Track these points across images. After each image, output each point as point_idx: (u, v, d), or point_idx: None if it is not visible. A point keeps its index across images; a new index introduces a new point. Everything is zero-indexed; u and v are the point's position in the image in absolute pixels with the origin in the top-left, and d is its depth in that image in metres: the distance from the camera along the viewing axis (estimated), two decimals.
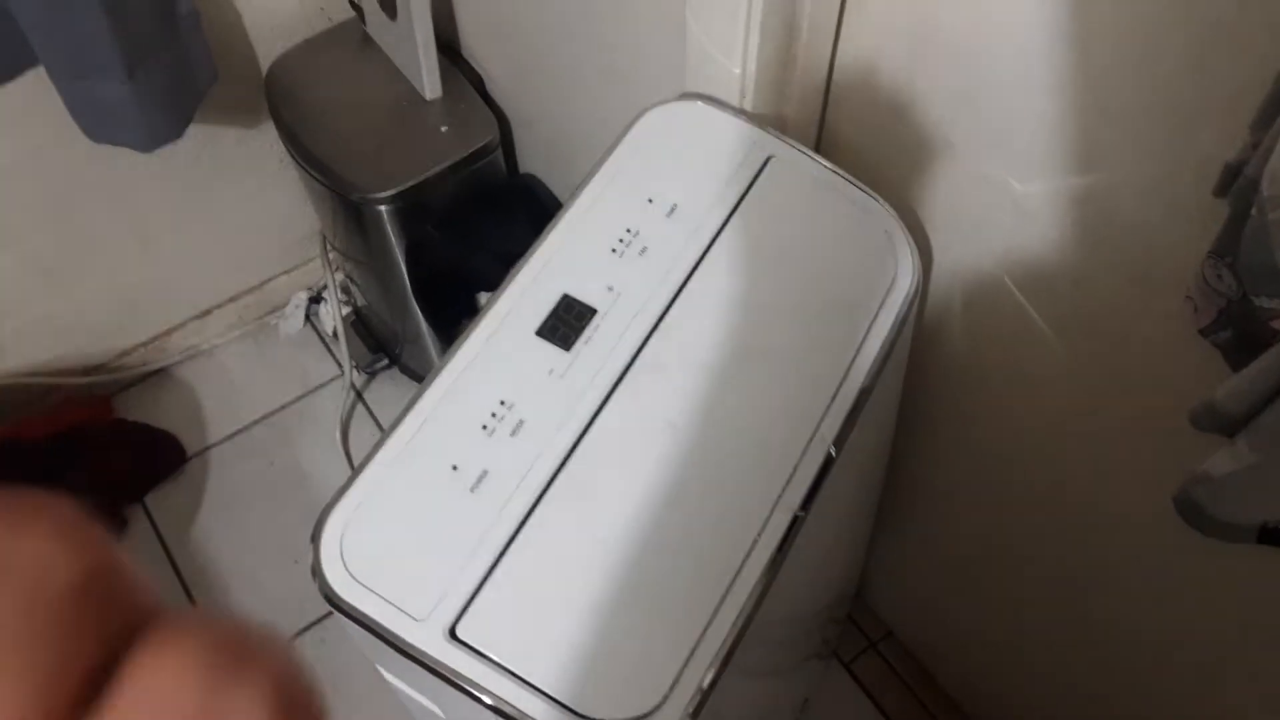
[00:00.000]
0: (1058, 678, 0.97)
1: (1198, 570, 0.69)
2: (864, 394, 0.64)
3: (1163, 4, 0.51)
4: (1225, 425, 0.49)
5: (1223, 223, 0.51)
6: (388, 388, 1.50)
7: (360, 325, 1.50)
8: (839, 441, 0.62)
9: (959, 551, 1.01)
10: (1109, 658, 0.86)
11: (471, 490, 0.57)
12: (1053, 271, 0.68)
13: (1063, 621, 0.90)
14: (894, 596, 1.24)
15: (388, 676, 0.62)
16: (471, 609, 0.54)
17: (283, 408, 1.49)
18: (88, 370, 1.44)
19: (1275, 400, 0.46)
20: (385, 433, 0.59)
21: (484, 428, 0.59)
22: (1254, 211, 0.43)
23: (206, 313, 1.50)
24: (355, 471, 0.58)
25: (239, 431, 1.46)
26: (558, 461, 0.59)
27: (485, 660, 0.53)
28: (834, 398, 0.63)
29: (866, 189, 0.71)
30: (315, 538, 0.56)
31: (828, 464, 0.61)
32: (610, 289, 0.64)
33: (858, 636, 1.28)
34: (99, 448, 1.41)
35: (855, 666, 1.26)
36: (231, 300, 1.51)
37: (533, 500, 0.57)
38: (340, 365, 1.50)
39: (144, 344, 1.47)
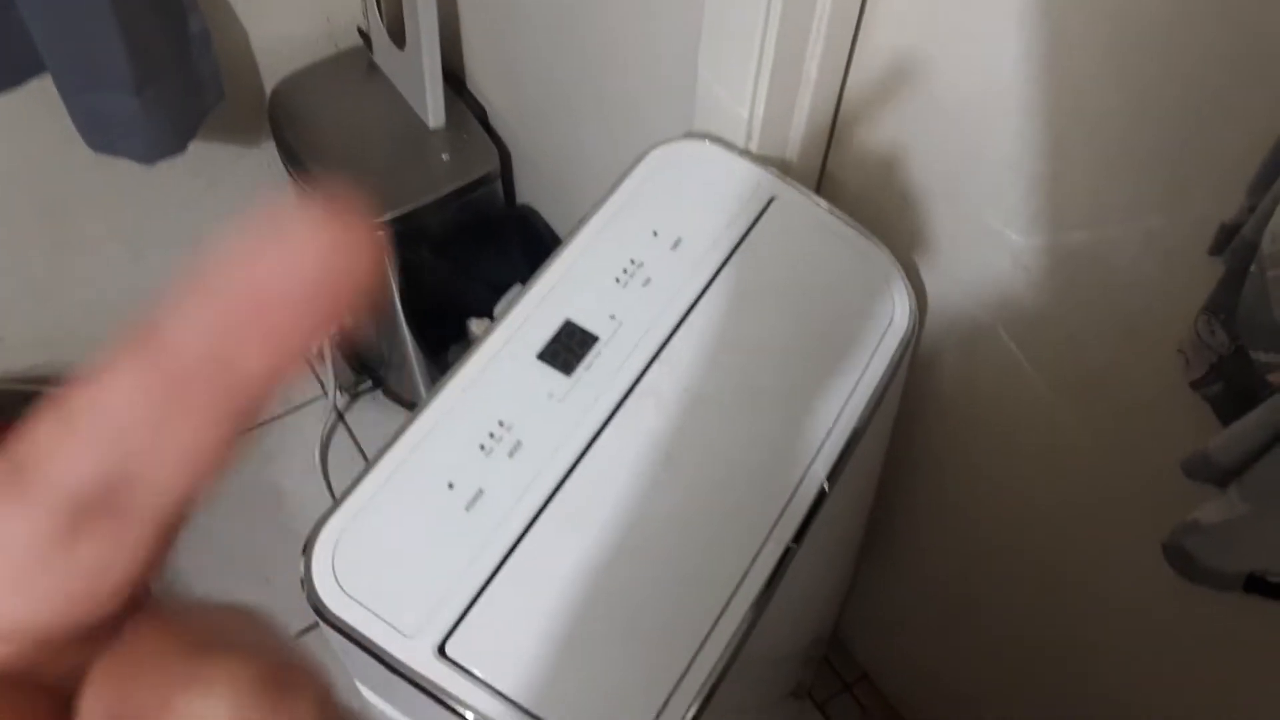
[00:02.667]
0: None
1: (1184, 618, 0.70)
2: (857, 433, 0.65)
3: (1158, 68, 0.53)
4: (1217, 475, 0.50)
5: (1217, 280, 0.53)
6: (370, 410, 1.49)
7: (346, 346, 1.50)
8: (832, 478, 0.63)
9: (939, 595, 1.02)
10: (1093, 704, 0.86)
11: (467, 509, 0.57)
12: (1046, 321, 0.70)
13: (1042, 670, 0.91)
14: (871, 638, 1.24)
15: (368, 695, 0.61)
16: (461, 627, 0.54)
17: (262, 425, 1.47)
18: (69, 380, 1.42)
19: (1267, 453, 0.47)
20: (384, 446, 0.59)
21: (482, 447, 0.59)
22: (1254, 269, 0.45)
23: None
24: (351, 484, 0.58)
25: None
26: (553, 485, 0.59)
27: (472, 679, 0.53)
28: (829, 435, 0.64)
29: (866, 233, 0.72)
30: (307, 549, 0.56)
31: (820, 499, 0.62)
32: (613, 317, 0.65)
33: (833, 678, 1.27)
34: None
35: (829, 708, 1.25)
36: None
37: (527, 522, 0.57)
38: (323, 385, 1.49)
39: None
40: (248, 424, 0.16)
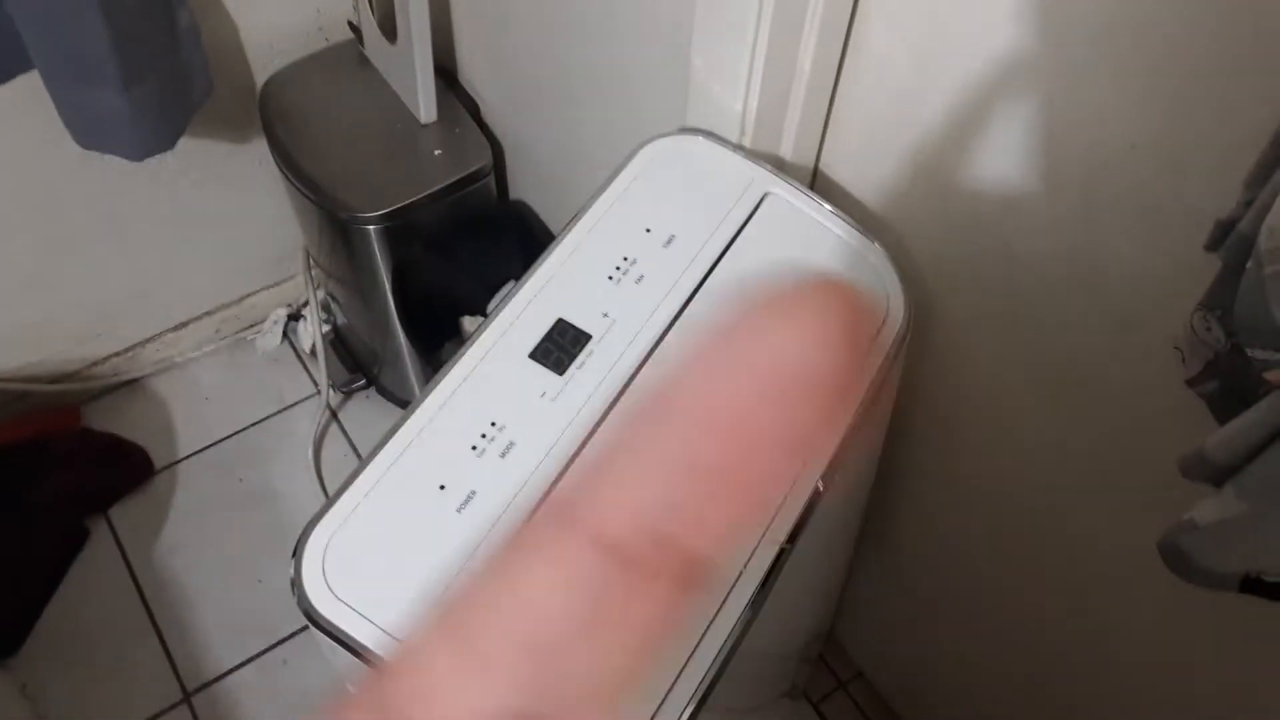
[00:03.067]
0: None
1: (1179, 617, 0.70)
2: (852, 430, 0.64)
3: (1154, 58, 0.53)
4: (1214, 474, 0.49)
5: (1214, 276, 0.52)
6: (364, 409, 1.48)
7: (339, 344, 1.49)
8: (827, 476, 0.62)
9: (934, 593, 1.01)
10: (1087, 703, 0.86)
11: (458, 510, 0.57)
12: (1040, 317, 0.69)
13: (1037, 668, 0.90)
14: (866, 637, 1.24)
15: None
16: None
17: (255, 424, 1.47)
18: (57, 378, 1.42)
19: (1264, 451, 0.46)
20: (374, 448, 0.59)
21: (474, 448, 0.59)
22: (1250, 265, 0.44)
23: (183, 325, 1.48)
24: (341, 486, 0.58)
25: (209, 446, 1.44)
26: (546, 486, 0.58)
27: None
28: None
29: (860, 228, 0.71)
30: (297, 551, 0.55)
31: (815, 498, 0.61)
32: (605, 315, 0.65)
33: (828, 676, 1.27)
34: (64, 457, 1.38)
35: (824, 706, 1.25)
36: (209, 314, 1.49)
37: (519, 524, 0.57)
38: (316, 384, 1.49)
39: (117, 354, 1.45)
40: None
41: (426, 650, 0.12)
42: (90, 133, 1.04)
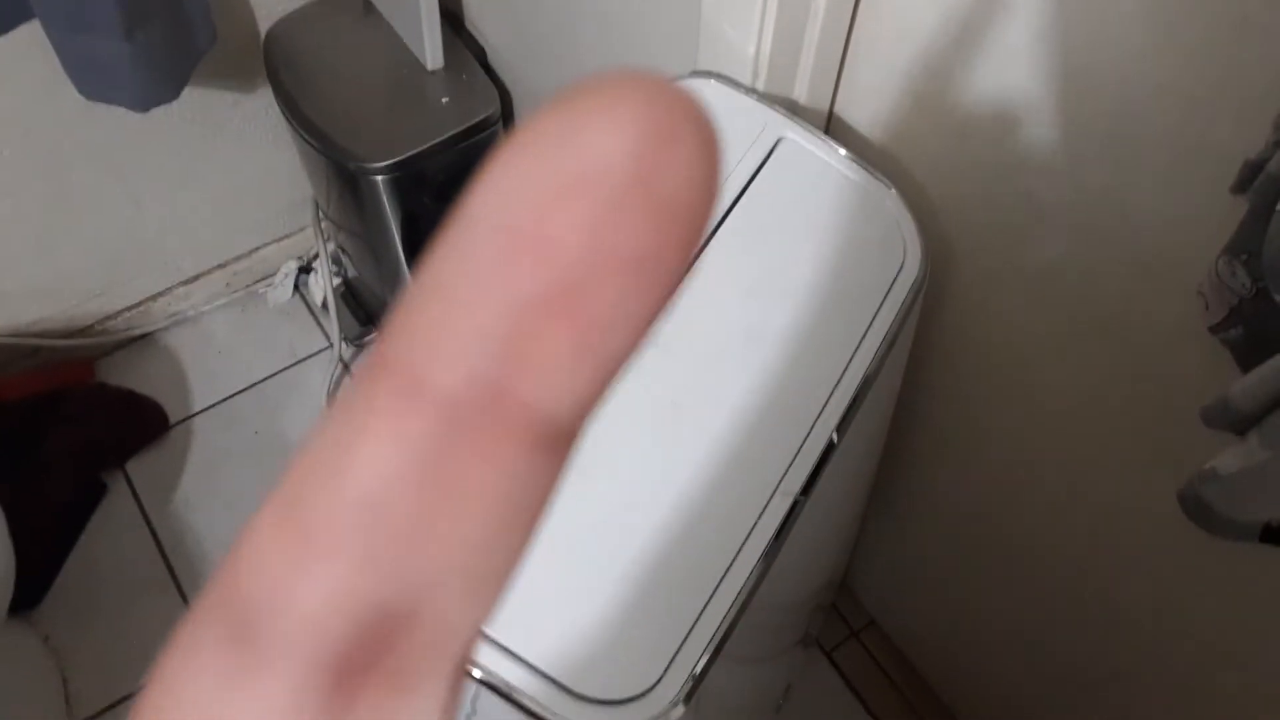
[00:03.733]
0: (1044, 670, 0.97)
1: (1198, 565, 0.69)
2: (867, 381, 0.63)
3: (1175, 4, 0.51)
4: (1237, 423, 0.48)
5: (1240, 219, 0.51)
6: None
7: (350, 297, 1.49)
8: (841, 428, 0.62)
9: (948, 542, 1.01)
10: (1100, 652, 0.86)
11: None
12: (1060, 262, 0.68)
13: (1053, 618, 0.90)
14: (880, 586, 1.24)
15: None
16: None
17: (269, 378, 1.47)
18: (71, 333, 1.42)
19: None
20: None
21: None
22: (1279, 208, 0.43)
23: (194, 279, 1.48)
24: None
25: (223, 400, 1.45)
26: None
27: (480, 635, 0.52)
28: (837, 384, 0.62)
29: (877, 174, 0.70)
30: None
31: (829, 450, 0.61)
32: None
33: (840, 625, 1.28)
34: (80, 412, 1.39)
35: (837, 655, 1.26)
36: (220, 267, 1.49)
37: None
38: (328, 337, 1.48)
39: (129, 308, 1.45)
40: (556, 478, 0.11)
41: (260, 534, 0.11)
42: (93, 83, 1.03)
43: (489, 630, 0.52)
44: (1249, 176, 0.50)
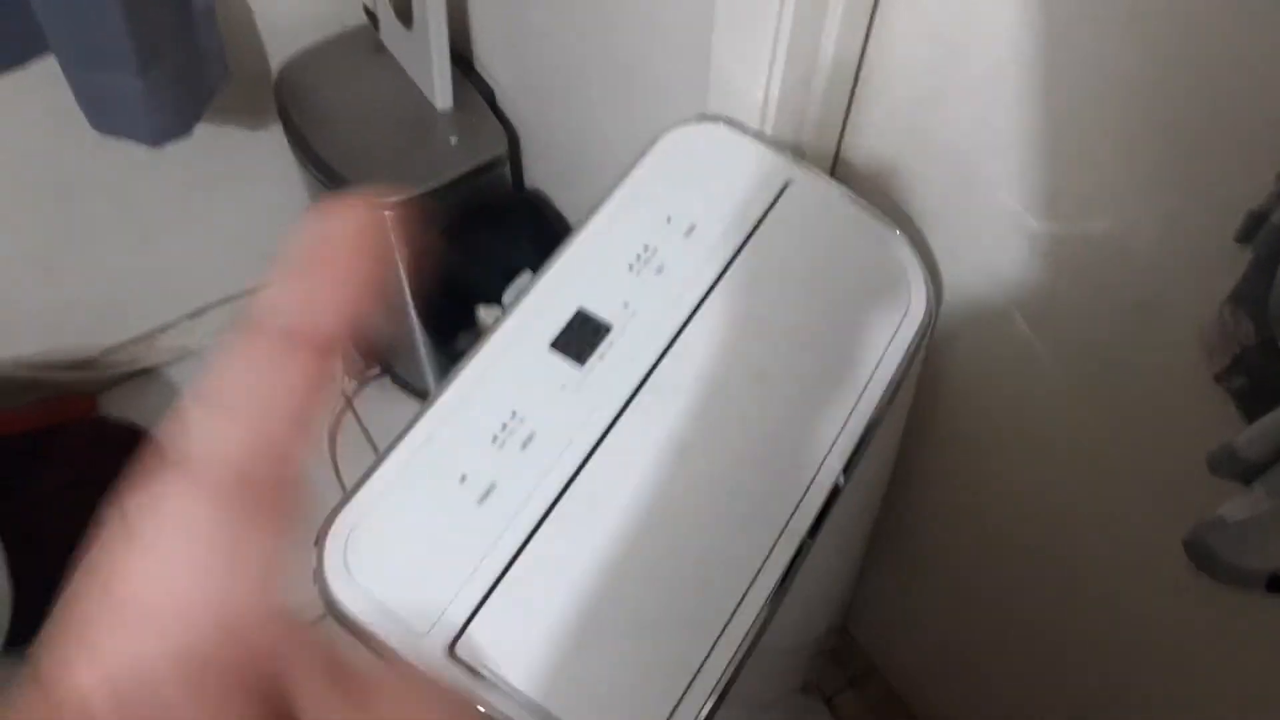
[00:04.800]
0: (1046, 719, 0.96)
1: (1203, 616, 0.69)
2: (874, 423, 0.64)
3: (1184, 40, 0.52)
4: (1243, 471, 0.49)
5: (1244, 268, 0.52)
6: (378, 398, 1.48)
7: (354, 333, 1.49)
8: (848, 470, 0.62)
9: (949, 587, 1.01)
10: (1103, 700, 0.86)
11: (479, 502, 0.56)
12: (1064, 308, 0.68)
13: (1055, 666, 0.90)
14: (880, 631, 1.23)
15: None
16: (474, 624, 0.53)
17: None
18: (73, 366, 1.42)
19: None
20: (396, 437, 0.59)
21: (494, 439, 0.59)
22: None
23: (199, 312, 1.48)
24: (363, 476, 0.57)
25: None
26: (566, 478, 0.58)
27: (484, 678, 0.52)
28: (844, 426, 0.63)
29: (882, 217, 0.71)
30: (320, 541, 0.55)
31: (835, 492, 0.61)
32: (626, 305, 0.64)
33: (839, 671, 1.27)
34: (79, 446, 1.39)
35: (836, 701, 1.25)
36: (225, 301, 1.49)
37: (540, 516, 0.57)
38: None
39: (133, 341, 1.45)
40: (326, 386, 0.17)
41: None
42: (106, 117, 1.04)
43: (492, 670, 0.52)
44: (1253, 226, 0.51)
